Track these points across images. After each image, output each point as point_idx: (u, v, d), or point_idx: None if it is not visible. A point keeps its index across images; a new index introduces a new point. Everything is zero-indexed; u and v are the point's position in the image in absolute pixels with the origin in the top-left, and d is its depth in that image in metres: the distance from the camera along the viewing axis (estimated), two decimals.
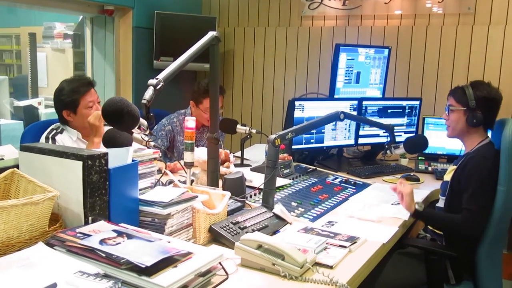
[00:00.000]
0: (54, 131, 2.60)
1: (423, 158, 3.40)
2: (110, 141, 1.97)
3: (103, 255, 1.12)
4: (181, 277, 1.11)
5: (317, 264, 1.61)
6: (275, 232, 1.91)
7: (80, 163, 1.30)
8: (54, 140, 2.55)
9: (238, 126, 3.11)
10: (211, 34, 1.98)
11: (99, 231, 1.25)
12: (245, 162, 3.19)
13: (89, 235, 1.22)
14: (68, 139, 2.59)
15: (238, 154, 3.23)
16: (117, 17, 4.07)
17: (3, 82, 3.92)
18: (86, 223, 1.32)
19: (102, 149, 1.74)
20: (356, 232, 1.92)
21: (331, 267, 1.60)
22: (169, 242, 1.27)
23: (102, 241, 1.18)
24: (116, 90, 4.11)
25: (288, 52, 4.41)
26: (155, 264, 1.10)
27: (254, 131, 3.09)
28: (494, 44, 3.57)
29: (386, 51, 3.51)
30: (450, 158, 3.40)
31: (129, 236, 1.24)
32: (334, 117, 2.34)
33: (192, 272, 1.16)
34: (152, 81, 1.68)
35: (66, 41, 4.74)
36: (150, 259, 1.11)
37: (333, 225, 2.06)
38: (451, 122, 2.39)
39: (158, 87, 1.67)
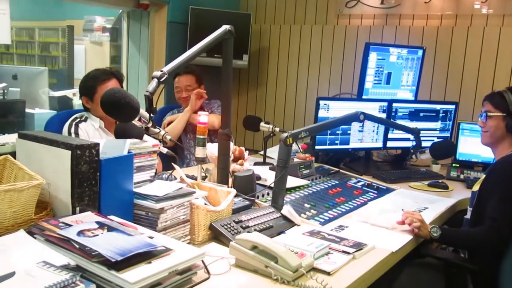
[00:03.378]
0: (78, 119, 2.64)
1: (457, 165, 3.24)
2: (122, 134, 1.98)
3: (77, 246, 1.11)
4: (151, 273, 1.08)
5: (314, 269, 1.55)
6: (279, 233, 1.86)
7: (68, 153, 1.30)
8: (77, 128, 2.59)
9: (262, 123, 3.07)
10: (224, 27, 1.95)
11: (81, 222, 1.23)
12: (268, 160, 3.14)
13: (69, 225, 1.21)
14: (91, 127, 2.62)
15: (262, 152, 3.18)
16: (152, 12, 4.11)
17: (43, 73, 4.05)
18: (74, 213, 1.32)
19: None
20: (365, 239, 1.83)
21: (328, 274, 1.53)
22: (151, 237, 1.24)
23: (80, 232, 1.17)
24: (149, 84, 4.15)
25: (323, 51, 4.32)
26: (127, 259, 1.07)
27: (277, 129, 3.04)
28: None
29: (420, 52, 3.36)
30: (486, 166, 3.21)
31: (110, 229, 1.22)
32: (353, 118, 2.25)
33: (166, 269, 1.12)
34: (157, 73, 1.66)
35: (104, 35, 4.84)
36: (122, 252, 1.08)
37: (343, 229, 1.97)
38: (489, 128, 2.26)
39: (162, 80, 1.65)
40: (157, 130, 1.99)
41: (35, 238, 1.20)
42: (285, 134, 2.02)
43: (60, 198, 1.34)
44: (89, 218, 1.27)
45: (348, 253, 1.68)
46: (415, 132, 2.54)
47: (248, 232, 1.74)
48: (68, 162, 1.30)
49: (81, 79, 2.64)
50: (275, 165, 2.91)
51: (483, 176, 2.29)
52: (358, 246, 1.73)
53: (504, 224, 2.01)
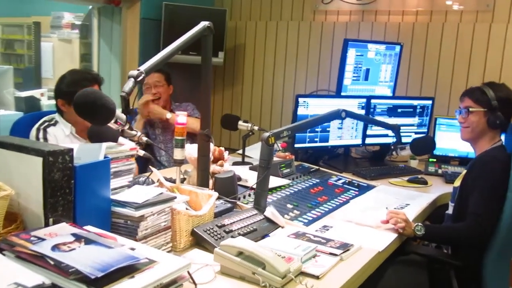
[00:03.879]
0: (47, 123, 2.52)
1: (434, 160, 3.25)
2: (95, 136, 1.89)
3: (52, 262, 1.02)
4: None
5: (302, 273, 1.50)
6: (264, 237, 1.80)
7: (40, 160, 1.21)
8: (45, 132, 2.46)
9: (240, 122, 3.00)
10: (203, 24, 1.87)
11: (56, 235, 1.15)
12: (247, 160, 3.08)
13: (43, 239, 1.12)
14: (61, 132, 2.50)
15: (241, 151, 3.12)
16: (124, 8, 3.98)
17: (8, 71, 3.88)
18: (47, 224, 1.23)
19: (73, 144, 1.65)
20: (351, 239, 1.80)
21: (317, 278, 1.48)
22: (133, 249, 1.16)
23: (55, 247, 1.08)
24: (121, 83, 4.04)
25: (300, 48, 4.27)
26: (107, 275, 1.00)
27: (256, 128, 2.98)
28: None
29: (397, 48, 3.35)
30: (462, 160, 3.24)
31: (87, 241, 1.14)
32: (335, 116, 2.21)
33: (150, 284, 1.05)
34: (133, 72, 1.57)
35: (74, 32, 4.68)
36: (102, 268, 1.00)
37: (327, 230, 1.93)
38: (470, 124, 2.24)
39: (139, 79, 1.57)
40: (134, 132, 1.90)
41: (3, 255, 1.11)
42: (267, 134, 1.96)
43: (31, 209, 1.25)
44: (64, 230, 1.19)
45: (335, 255, 1.64)
46: (395, 129, 2.52)
47: (232, 236, 1.68)
48: (40, 170, 1.21)
49: (58, 81, 2.49)
50: (254, 164, 2.88)
51: (464, 171, 2.28)
52: (345, 247, 1.69)
53: (487, 219, 2.01)
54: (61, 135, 2.49)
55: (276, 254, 1.47)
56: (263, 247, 1.48)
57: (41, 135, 2.43)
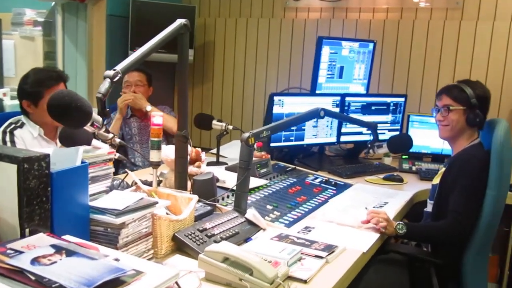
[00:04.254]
0: (13, 125, 2.40)
1: (407, 157, 3.27)
2: (67, 139, 1.80)
3: (33, 278, 0.95)
4: None
5: (290, 278, 1.46)
6: (246, 240, 1.76)
7: (14, 167, 1.12)
8: (12, 135, 2.35)
9: (214, 121, 2.95)
10: (179, 22, 1.80)
11: (34, 247, 1.07)
12: (221, 160, 3.02)
13: (20, 252, 1.04)
14: (28, 135, 2.39)
15: (215, 151, 3.06)
16: (90, 4, 3.84)
17: None
18: (23, 235, 1.15)
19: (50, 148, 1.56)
20: (335, 240, 1.78)
21: (305, 282, 1.45)
22: (117, 259, 1.09)
23: (34, 260, 1.01)
24: (88, 82, 3.90)
25: (271, 45, 4.23)
26: None
27: (230, 127, 2.93)
28: (482, 40, 3.43)
29: (371, 45, 3.36)
30: (435, 157, 3.28)
31: (69, 253, 1.07)
32: (314, 115, 2.18)
33: None
34: (109, 73, 1.50)
35: (36, 29, 4.49)
36: (88, 282, 0.94)
37: (310, 231, 1.91)
38: (450, 122, 2.25)
39: (115, 79, 1.50)
40: (106, 134, 1.82)
41: None
42: (247, 134, 1.92)
43: (5, 219, 1.17)
44: (42, 242, 1.11)
45: (321, 257, 1.61)
46: (372, 127, 2.51)
47: (214, 241, 1.63)
48: (14, 178, 1.13)
49: (21, 80, 2.37)
50: (230, 164, 2.83)
51: (443, 169, 2.30)
52: (330, 249, 1.67)
53: (467, 217, 2.03)
54: (29, 137, 2.38)
55: (262, 259, 1.43)
56: (248, 252, 1.44)
57: (8, 138, 2.31)
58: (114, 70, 1.51)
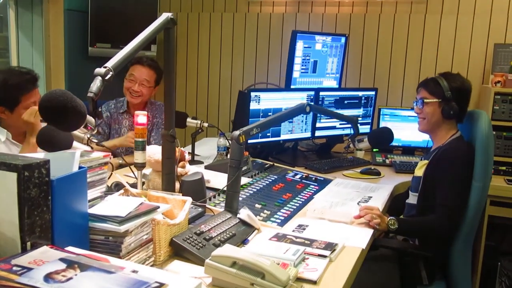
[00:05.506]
0: None
1: (378, 150, 3.30)
2: (46, 142, 1.67)
3: None
4: None
5: (299, 279, 1.42)
6: (243, 241, 1.70)
7: (14, 175, 1.02)
8: None
9: (189, 119, 2.87)
10: (165, 15, 1.71)
11: (43, 262, 0.97)
12: (196, 158, 2.94)
13: (29, 269, 0.94)
14: None
15: (188, 148, 2.98)
16: None
17: None
18: (24, 250, 1.04)
19: (40, 153, 1.44)
20: (331, 237, 1.75)
21: (315, 283, 1.41)
22: (135, 271, 1.01)
23: (47, 277, 0.91)
24: (46, 80, 3.69)
25: (236, 40, 4.16)
26: None
27: (206, 124, 2.86)
28: (446, 34, 3.51)
29: (343, 39, 3.36)
30: (406, 150, 3.33)
31: (82, 267, 0.97)
32: (300, 110, 2.15)
33: None
34: (100, 70, 1.39)
35: None
36: None
37: (304, 229, 1.87)
38: (426, 115, 2.27)
39: (107, 77, 1.39)
40: (82, 135, 1.70)
41: None
42: (237, 132, 1.85)
43: (3, 233, 1.06)
44: (49, 256, 1.01)
45: (324, 256, 1.57)
46: (353, 121, 2.51)
47: (213, 244, 1.57)
48: (14, 188, 1.02)
49: None
50: (205, 162, 2.75)
51: (425, 161, 2.32)
52: (331, 247, 1.64)
53: (456, 210, 2.06)
54: None
55: (273, 261, 1.38)
56: (258, 255, 1.39)
57: None
58: (105, 67, 1.40)
